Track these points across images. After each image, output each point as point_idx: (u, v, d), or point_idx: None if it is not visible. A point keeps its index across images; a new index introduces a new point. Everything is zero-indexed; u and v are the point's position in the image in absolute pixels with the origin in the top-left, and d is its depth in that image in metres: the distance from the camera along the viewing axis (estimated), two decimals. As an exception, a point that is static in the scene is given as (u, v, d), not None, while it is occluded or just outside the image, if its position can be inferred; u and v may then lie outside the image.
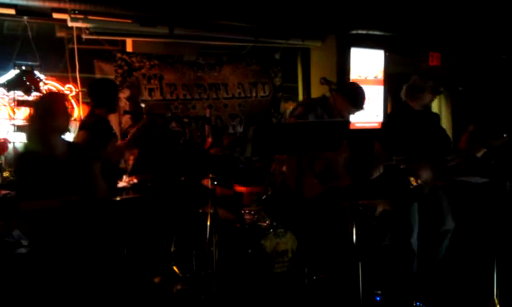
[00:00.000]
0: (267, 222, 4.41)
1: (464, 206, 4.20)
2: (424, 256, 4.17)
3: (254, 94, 6.79)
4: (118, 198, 2.93)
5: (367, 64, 6.95)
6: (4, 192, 5.07)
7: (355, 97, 3.92)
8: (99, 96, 4.28)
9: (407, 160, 3.85)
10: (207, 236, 3.58)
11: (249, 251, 4.10)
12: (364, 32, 6.88)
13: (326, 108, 3.88)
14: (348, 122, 3.55)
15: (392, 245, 4.23)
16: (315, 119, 3.67)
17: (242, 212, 4.76)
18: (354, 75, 6.83)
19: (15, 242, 4.43)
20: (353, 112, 3.97)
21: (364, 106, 4.01)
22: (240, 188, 5.04)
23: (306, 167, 3.55)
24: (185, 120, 3.06)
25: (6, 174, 5.27)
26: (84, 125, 4.21)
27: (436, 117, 4.56)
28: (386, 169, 3.94)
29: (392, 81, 7.43)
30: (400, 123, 4.16)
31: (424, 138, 4.11)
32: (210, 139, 5.47)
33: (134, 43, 6.29)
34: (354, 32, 6.86)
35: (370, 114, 6.97)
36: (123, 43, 6.35)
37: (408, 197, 3.94)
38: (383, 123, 4.44)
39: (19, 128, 5.47)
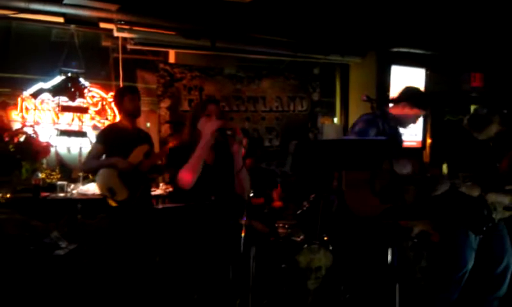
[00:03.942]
0: (302, 237, 4.38)
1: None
2: (483, 296, 4.03)
3: (292, 109, 6.80)
4: (160, 206, 2.97)
5: (407, 83, 6.86)
6: (44, 194, 5.21)
7: (423, 100, 3.80)
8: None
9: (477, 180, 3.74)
10: (241, 248, 3.58)
11: (283, 265, 4.08)
12: (405, 50, 6.85)
13: (387, 120, 3.75)
14: (391, 141, 3.47)
15: (432, 271, 4.11)
16: (376, 134, 3.54)
17: (276, 225, 4.75)
18: (394, 93, 6.76)
19: (53, 244, 4.50)
20: (421, 116, 3.87)
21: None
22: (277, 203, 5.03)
23: (366, 185, 3.46)
24: (229, 132, 3.07)
25: (43, 175, 5.38)
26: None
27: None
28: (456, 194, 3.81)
29: (431, 100, 7.33)
30: (463, 150, 4.01)
31: (485, 165, 4.00)
32: (244, 151, 5.49)
33: (176, 54, 6.41)
34: (396, 50, 6.82)
35: (409, 133, 6.89)
36: (165, 54, 6.48)
37: (479, 226, 3.79)
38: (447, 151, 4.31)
39: (62, 133, 5.62)
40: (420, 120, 6.93)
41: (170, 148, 3.73)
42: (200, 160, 3.00)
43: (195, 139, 3.12)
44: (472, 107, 7.52)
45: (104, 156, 4.30)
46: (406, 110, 3.77)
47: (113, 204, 4.10)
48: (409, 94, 3.82)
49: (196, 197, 3.04)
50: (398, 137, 3.95)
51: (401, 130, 3.96)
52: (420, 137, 7.03)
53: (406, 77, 6.88)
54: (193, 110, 3.29)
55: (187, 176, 2.97)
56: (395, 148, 3.79)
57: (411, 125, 3.94)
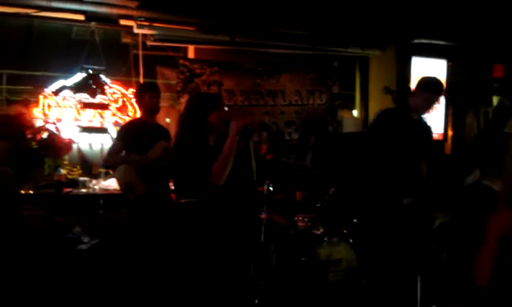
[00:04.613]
0: (321, 230, 4.36)
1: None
2: None
3: (311, 102, 6.78)
4: (182, 200, 2.98)
5: (428, 74, 6.78)
6: (67, 190, 5.29)
7: (432, 84, 3.85)
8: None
9: None
10: (262, 241, 3.59)
11: (303, 258, 4.08)
12: (426, 41, 6.76)
13: (407, 114, 3.79)
14: (409, 134, 3.44)
15: (453, 263, 4.08)
16: (389, 126, 3.56)
17: (296, 218, 4.74)
18: (414, 85, 6.69)
19: (76, 239, 4.55)
20: (437, 101, 3.89)
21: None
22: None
23: None
24: (250, 127, 3.09)
25: (64, 171, 5.44)
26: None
27: None
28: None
29: (452, 91, 7.24)
30: (490, 146, 3.98)
31: None
32: (265, 145, 5.49)
33: (195, 50, 6.43)
34: (416, 41, 6.74)
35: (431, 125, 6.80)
36: (185, 49, 6.50)
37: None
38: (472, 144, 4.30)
39: (84, 129, 5.69)
40: (442, 112, 6.92)
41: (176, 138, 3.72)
42: (233, 155, 3.03)
43: (206, 130, 3.19)
44: (494, 98, 7.41)
45: (124, 151, 4.33)
46: (420, 97, 3.81)
47: (132, 199, 4.14)
48: (422, 83, 3.89)
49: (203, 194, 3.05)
50: (423, 131, 3.93)
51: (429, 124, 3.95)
52: (442, 129, 6.94)
53: (427, 69, 6.79)
54: (204, 103, 3.29)
55: (222, 171, 2.99)
56: (424, 142, 3.78)
57: (430, 112, 3.93)
